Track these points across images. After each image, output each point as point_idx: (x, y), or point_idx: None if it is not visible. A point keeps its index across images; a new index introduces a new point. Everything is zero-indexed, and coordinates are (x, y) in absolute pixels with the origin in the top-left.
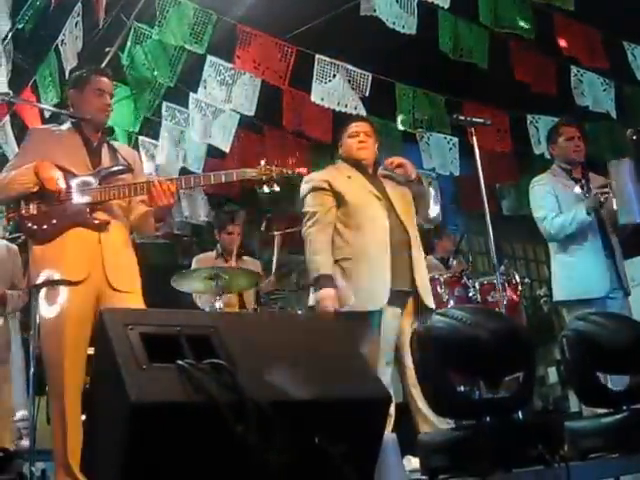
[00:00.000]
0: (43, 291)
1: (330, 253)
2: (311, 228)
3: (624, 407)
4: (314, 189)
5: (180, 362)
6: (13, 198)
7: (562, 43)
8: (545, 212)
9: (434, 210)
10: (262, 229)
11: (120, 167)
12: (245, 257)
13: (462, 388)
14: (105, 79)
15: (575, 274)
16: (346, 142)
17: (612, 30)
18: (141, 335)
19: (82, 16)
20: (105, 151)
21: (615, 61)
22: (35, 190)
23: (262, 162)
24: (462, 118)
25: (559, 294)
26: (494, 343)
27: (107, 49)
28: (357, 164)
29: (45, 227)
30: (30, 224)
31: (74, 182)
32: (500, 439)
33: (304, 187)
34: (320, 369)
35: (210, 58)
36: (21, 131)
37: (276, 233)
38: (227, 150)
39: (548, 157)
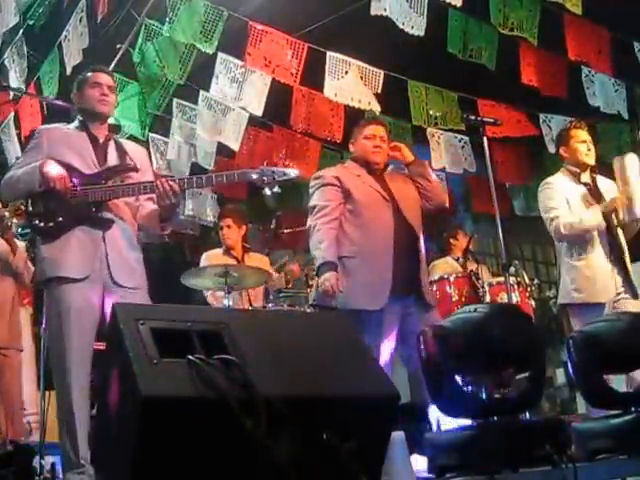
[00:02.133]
0: (49, 288)
1: (335, 244)
2: (319, 220)
3: (632, 408)
4: (324, 184)
5: (191, 357)
6: (20, 197)
7: (570, 48)
8: (556, 213)
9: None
10: (272, 227)
11: (125, 165)
12: (252, 253)
13: (470, 387)
14: (101, 74)
15: (580, 278)
16: (361, 143)
17: (622, 30)
18: (152, 330)
19: (89, 13)
20: (112, 149)
21: (626, 62)
22: (41, 189)
23: (264, 163)
24: (472, 117)
25: (563, 297)
26: (503, 341)
27: (118, 46)
28: (367, 165)
29: (51, 225)
30: (37, 222)
31: (80, 180)
32: (508, 439)
33: (314, 182)
34: (329, 366)
35: (221, 55)
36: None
37: (286, 231)
38: (236, 149)
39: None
